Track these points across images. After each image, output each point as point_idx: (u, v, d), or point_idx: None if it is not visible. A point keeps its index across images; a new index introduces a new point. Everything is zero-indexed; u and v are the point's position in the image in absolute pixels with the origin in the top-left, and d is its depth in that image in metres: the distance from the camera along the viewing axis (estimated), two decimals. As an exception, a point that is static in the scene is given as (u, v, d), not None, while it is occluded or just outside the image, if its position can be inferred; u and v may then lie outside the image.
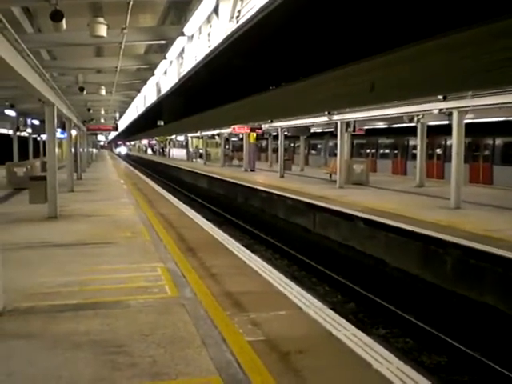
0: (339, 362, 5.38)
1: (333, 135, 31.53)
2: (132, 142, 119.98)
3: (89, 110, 29.26)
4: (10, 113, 28.98)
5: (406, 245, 13.38)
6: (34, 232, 12.98)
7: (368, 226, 15.21)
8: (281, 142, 33.80)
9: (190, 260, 9.87)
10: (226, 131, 43.61)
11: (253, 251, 11.50)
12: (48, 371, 5.09)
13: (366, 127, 31.89)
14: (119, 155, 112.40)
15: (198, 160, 60.34)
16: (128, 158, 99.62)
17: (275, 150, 41.67)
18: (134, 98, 28.41)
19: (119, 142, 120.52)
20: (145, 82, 21.07)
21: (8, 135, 34.31)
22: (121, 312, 6.85)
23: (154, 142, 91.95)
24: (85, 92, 20.06)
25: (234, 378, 4.92)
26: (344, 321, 6.59)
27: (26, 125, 34.06)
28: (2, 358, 5.43)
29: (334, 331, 6.12)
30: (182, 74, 15.60)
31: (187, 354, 5.47)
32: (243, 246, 11.86)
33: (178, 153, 73.34)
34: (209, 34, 11.92)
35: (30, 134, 37.17)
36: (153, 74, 18.79)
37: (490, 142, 27.61)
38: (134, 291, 7.77)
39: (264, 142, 53.91)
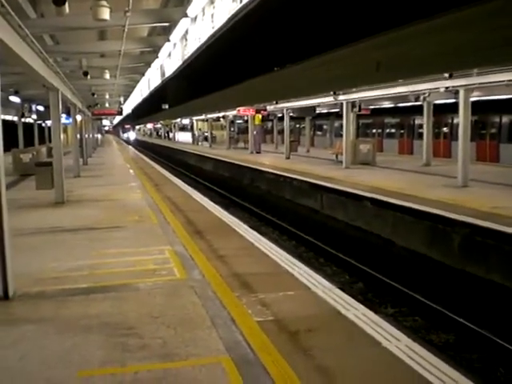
0: (348, 341, 5.41)
1: (338, 116, 31.40)
2: (137, 127, 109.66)
3: (93, 94, 29.24)
4: (15, 99, 28.98)
5: (414, 224, 13.36)
6: (41, 218, 13.03)
7: (375, 205, 15.19)
8: (286, 123, 33.71)
9: (198, 242, 9.90)
10: (231, 113, 43.53)
11: (260, 233, 11.51)
12: (59, 354, 5.13)
13: (372, 107, 31.72)
14: (128, 141, 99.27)
15: (204, 143, 60.28)
16: (137, 143, 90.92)
17: (281, 132, 41.56)
18: (138, 81, 28.41)
19: (127, 126, 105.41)
20: (149, 65, 21.04)
21: (13, 122, 34.34)
22: (130, 295, 6.90)
23: (158, 125, 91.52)
24: (89, 76, 20.04)
25: (244, 358, 4.95)
26: (352, 300, 6.61)
27: (30, 111, 34.09)
28: (13, 342, 5.48)
29: (343, 310, 6.14)
30: (186, 57, 15.55)
31: (197, 335, 5.51)
32: (250, 228, 11.87)
33: (183, 136, 73.21)
34: (212, 15, 11.87)
35: (34, 120, 37.20)
36: (157, 57, 18.76)
37: (497, 120, 27.44)
38: (143, 274, 7.81)
39: (269, 124, 53.72)
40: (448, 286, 11.12)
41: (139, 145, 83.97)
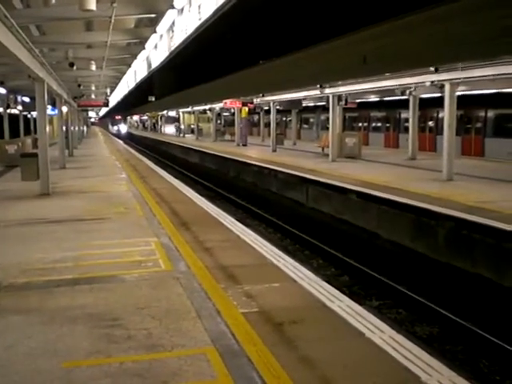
0: (333, 332, 5.44)
1: (325, 109, 31.44)
2: (129, 118, 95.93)
3: (79, 85, 29.07)
4: (0, 90, 28.75)
5: (399, 217, 13.44)
6: (27, 209, 12.97)
7: (360, 198, 15.25)
8: (273, 116, 33.72)
9: (184, 234, 9.90)
10: (217, 106, 43.43)
11: (246, 226, 11.52)
12: (45, 344, 5.14)
13: (358, 100, 31.80)
14: (118, 135, 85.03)
15: (188, 135, 60.25)
16: (130, 138, 78.32)
17: (267, 125, 41.55)
18: (124, 73, 28.26)
19: (118, 117, 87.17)
20: (135, 56, 20.94)
21: (-2, 113, 34.07)
22: (116, 286, 6.90)
23: (145, 117, 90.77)
24: (75, 67, 19.92)
25: (229, 349, 4.98)
26: (337, 292, 6.65)
27: (16, 102, 33.84)
28: (-1, 332, 5.48)
29: (328, 302, 6.18)
30: (173, 48, 15.50)
31: (182, 326, 5.53)
32: (236, 220, 11.88)
33: (169, 128, 72.93)
34: (199, 7, 11.83)
35: (20, 111, 36.93)
36: (143, 49, 18.67)
37: (482, 114, 27.59)
38: (129, 266, 7.81)
39: (256, 117, 53.69)
40: (433, 280, 11.20)
41: (133, 139, 74.97)
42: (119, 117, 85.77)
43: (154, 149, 53.68)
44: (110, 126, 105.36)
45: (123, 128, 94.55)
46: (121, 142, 60.89)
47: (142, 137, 74.63)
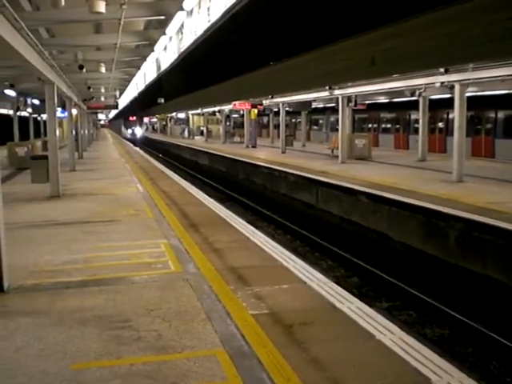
0: (342, 333, 5.43)
1: (334, 110, 31.41)
2: (146, 119, 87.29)
3: (89, 88, 29.12)
4: (10, 93, 28.86)
5: (409, 219, 13.39)
6: (37, 211, 13.02)
7: (370, 200, 15.21)
8: (282, 117, 33.70)
9: (193, 236, 9.90)
10: (226, 108, 43.47)
11: (255, 227, 11.50)
12: (55, 346, 5.14)
13: (368, 102, 31.73)
14: (133, 140, 72.40)
15: (197, 137, 60.35)
16: (147, 143, 68.63)
17: (277, 126, 41.53)
18: (133, 75, 28.27)
19: (132, 118, 75.76)
20: (144, 58, 20.94)
21: (8, 115, 34.19)
22: (125, 288, 6.90)
23: (154, 119, 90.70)
24: (84, 70, 19.95)
25: (239, 351, 4.97)
26: (347, 294, 6.63)
27: (26, 104, 33.94)
28: (9, 334, 5.49)
29: (338, 304, 6.16)
30: (182, 50, 15.50)
31: (192, 327, 5.52)
32: (246, 222, 11.86)
33: (179, 130, 73.04)
34: (208, 9, 11.82)
35: (30, 113, 37.06)
36: (152, 51, 18.67)
37: (492, 115, 27.47)
38: (138, 267, 7.82)
39: (265, 118, 53.68)
40: (443, 281, 11.15)
41: (148, 144, 67.09)
42: (133, 118, 76.57)
43: (167, 152, 53.74)
44: (123, 129, 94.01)
45: (139, 131, 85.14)
46: (125, 141, 58.42)
47: (151, 139, 74.74)
